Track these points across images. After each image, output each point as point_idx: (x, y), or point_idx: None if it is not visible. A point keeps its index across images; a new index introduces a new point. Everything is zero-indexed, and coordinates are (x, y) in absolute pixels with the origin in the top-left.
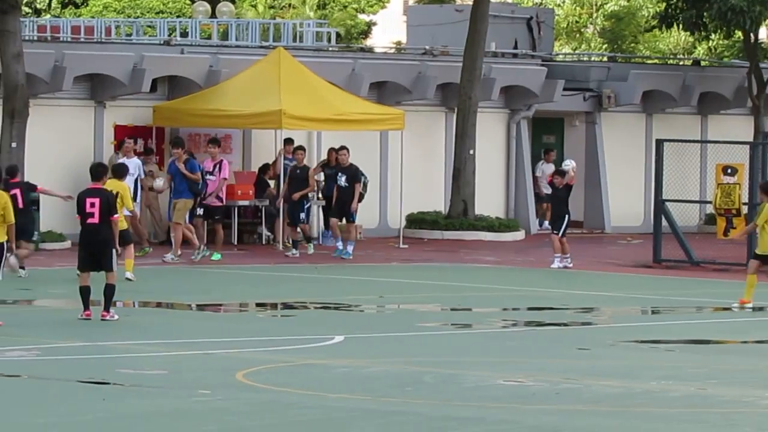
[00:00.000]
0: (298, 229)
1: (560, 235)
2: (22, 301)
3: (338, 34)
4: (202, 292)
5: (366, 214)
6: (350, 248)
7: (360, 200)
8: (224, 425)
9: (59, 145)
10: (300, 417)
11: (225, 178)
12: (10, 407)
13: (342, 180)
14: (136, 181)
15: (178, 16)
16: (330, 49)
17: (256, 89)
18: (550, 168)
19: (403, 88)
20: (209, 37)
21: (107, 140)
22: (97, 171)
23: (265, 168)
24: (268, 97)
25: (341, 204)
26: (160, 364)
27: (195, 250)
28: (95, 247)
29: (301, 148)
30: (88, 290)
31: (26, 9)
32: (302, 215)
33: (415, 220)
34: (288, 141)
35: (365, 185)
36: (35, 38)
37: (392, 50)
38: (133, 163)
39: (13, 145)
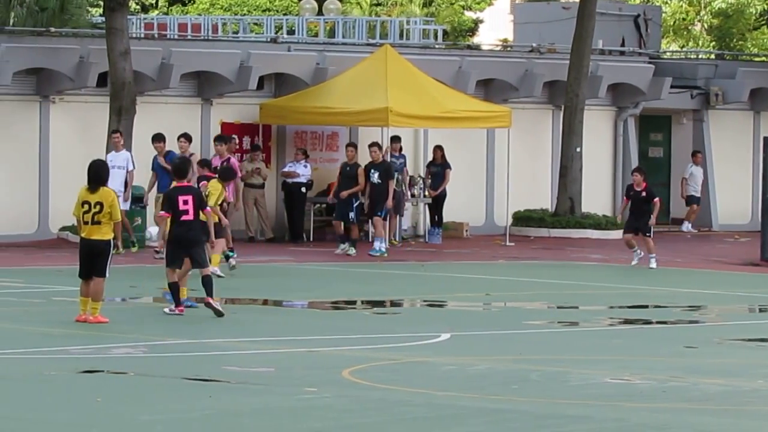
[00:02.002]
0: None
1: (650, 235)
2: (129, 298)
3: (445, 32)
4: (305, 289)
5: (472, 212)
6: (377, 244)
7: (394, 197)
8: (330, 422)
9: (167, 142)
10: (406, 414)
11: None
12: (116, 404)
13: (375, 176)
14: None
15: (284, 14)
16: (437, 46)
17: (362, 87)
18: (699, 171)
19: (510, 85)
20: (316, 35)
21: (213, 137)
22: (185, 168)
23: None
24: (375, 95)
25: (374, 201)
26: (266, 361)
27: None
28: (189, 243)
29: (351, 145)
30: (178, 286)
31: (134, 6)
32: (351, 214)
33: (522, 218)
34: (395, 138)
35: (398, 182)
36: (142, 36)
37: (499, 48)
38: (122, 157)
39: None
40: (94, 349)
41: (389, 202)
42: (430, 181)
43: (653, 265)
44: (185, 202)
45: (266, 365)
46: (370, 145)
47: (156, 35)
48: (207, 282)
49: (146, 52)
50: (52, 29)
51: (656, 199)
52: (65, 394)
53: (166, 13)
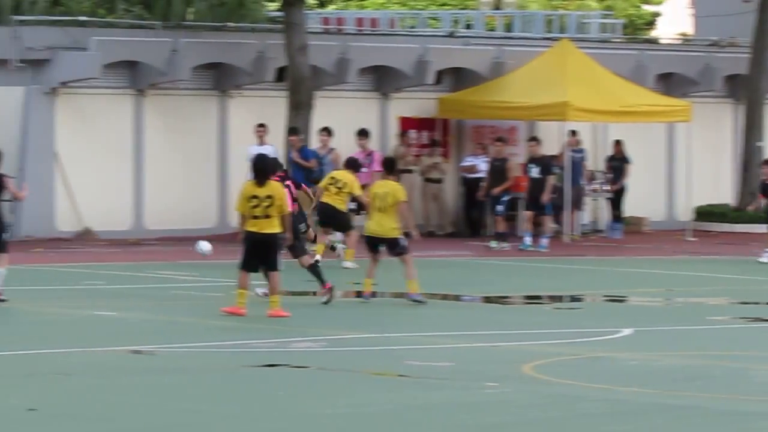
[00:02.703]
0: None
1: None
2: (309, 292)
3: (624, 26)
4: (485, 284)
5: (652, 206)
6: (544, 241)
7: (553, 192)
8: (509, 418)
9: (343, 137)
10: (586, 410)
11: (378, 171)
12: (298, 398)
13: (534, 171)
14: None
15: (462, 8)
16: (615, 40)
17: (541, 81)
18: None
19: (690, 79)
20: (493, 29)
21: (391, 132)
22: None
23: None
24: (554, 89)
25: (534, 196)
26: (446, 356)
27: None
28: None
29: (500, 139)
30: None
31: (311, 1)
32: (499, 207)
33: (704, 213)
34: (572, 132)
35: (559, 177)
36: (320, 30)
37: (678, 41)
38: (266, 150)
39: (301, 136)
40: (275, 343)
41: (545, 197)
42: (610, 175)
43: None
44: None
45: (446, 360)
46: (529, 140)
47: (333, 30)
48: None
49: (324, 47)
50: (230, 24)
51: None
52: (248, 387)
53: (344, 8)
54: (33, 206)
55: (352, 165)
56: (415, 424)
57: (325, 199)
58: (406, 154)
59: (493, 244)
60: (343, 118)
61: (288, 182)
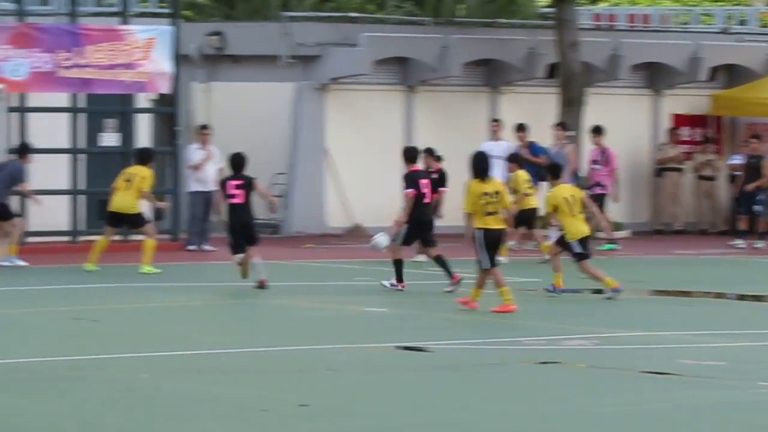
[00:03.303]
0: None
1: None
2: (585, 290)
3: None
4: (760, 282)
5: None
6: None
7: None
8: None
9: (615, 133)
10: None
11: (615, 168)
12: (569, 396)
13: None
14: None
15: (735, 4)
16: None
17: None
18: None
19: None
20: (767, 26)
21: (661, 129)
22: (413, 154)
23: None
24: None
25: None
26: (718, 354)
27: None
28: (430, 226)
29: (755, 137)
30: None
31: None
32: (756, 208)
33: None
34: None
35: None
36: (591, 27)
37: None
38: (501, 146)
39: (572, 133)
40: (547, 340)
41: None
42: None
43: None
44: (426, 186)
45: (719, 359)
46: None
47: (605, 26)
48: (440, 261)
49: (595, 44)
50: (501, 20)
51: None
52: (519, 385)
53: (616, 4)
54: (304, 202)
55: (515, 159)
56: (686, 423)
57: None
58: (672, 154)
59: (741, 242)
60: (614, 114)
61: (425, 180)
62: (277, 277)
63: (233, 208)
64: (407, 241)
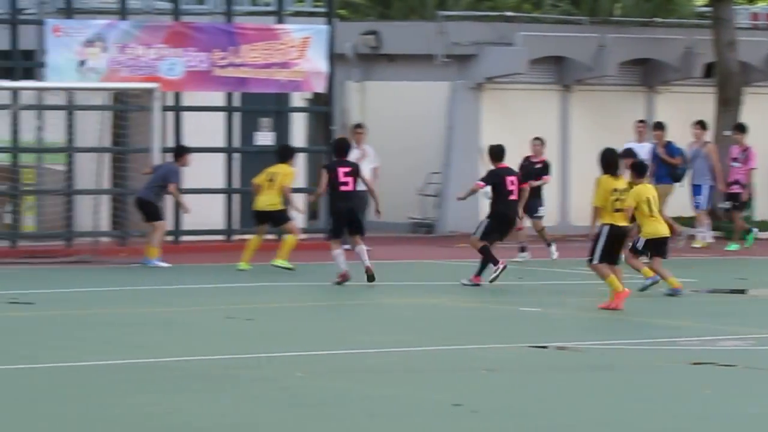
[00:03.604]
0: None
1: None
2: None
3: None
4: None
5: None
6: None
7: None
8: None
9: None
10: None
11: (753, 168)
12: (724, 397)
13: None
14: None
15: None
16: None
17: None
18: None
19: None
20: None
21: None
22: (500, 152)
23: None
24: None
25: None
26: None
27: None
28: (512, 222)
29: None
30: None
31: None
32: None
33: None
34: None
35: None
36: (749, 26)
37: None
38: (644, 148)
39: (727, 133)
40: (702, 341)
41: None
42: None
43: None
44: (512, 182)
45: None
46: None
47: (763, 26)
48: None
49: (752, 43)
50: (658, 19)
51: None
52: (673, 385)
53: None
54: (458, 202)
55: (629, 155)
56: None
57: None
58: None
59: None
60: None
61: (512, 177)
62: (432, 276)
63: (343, 195)
64: (487, 235)
